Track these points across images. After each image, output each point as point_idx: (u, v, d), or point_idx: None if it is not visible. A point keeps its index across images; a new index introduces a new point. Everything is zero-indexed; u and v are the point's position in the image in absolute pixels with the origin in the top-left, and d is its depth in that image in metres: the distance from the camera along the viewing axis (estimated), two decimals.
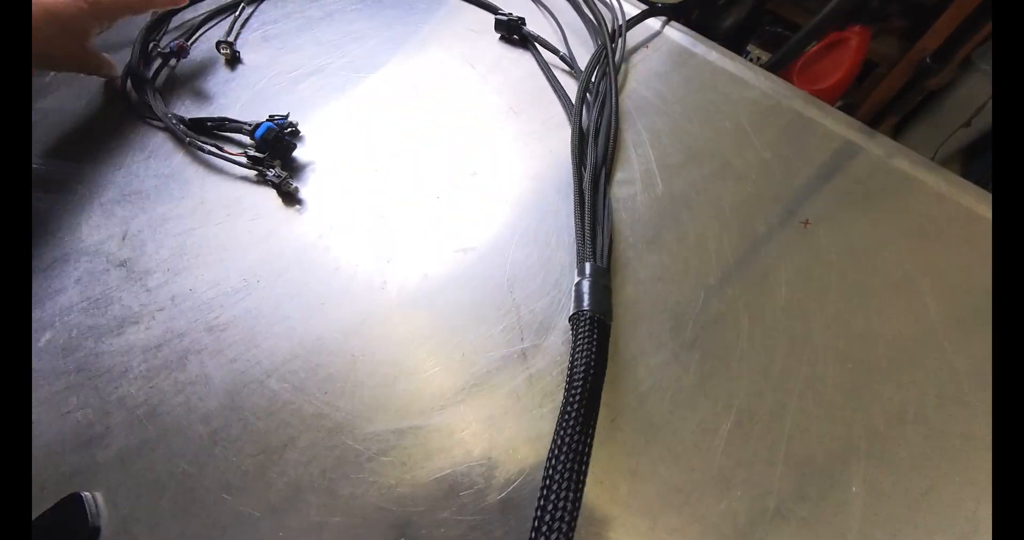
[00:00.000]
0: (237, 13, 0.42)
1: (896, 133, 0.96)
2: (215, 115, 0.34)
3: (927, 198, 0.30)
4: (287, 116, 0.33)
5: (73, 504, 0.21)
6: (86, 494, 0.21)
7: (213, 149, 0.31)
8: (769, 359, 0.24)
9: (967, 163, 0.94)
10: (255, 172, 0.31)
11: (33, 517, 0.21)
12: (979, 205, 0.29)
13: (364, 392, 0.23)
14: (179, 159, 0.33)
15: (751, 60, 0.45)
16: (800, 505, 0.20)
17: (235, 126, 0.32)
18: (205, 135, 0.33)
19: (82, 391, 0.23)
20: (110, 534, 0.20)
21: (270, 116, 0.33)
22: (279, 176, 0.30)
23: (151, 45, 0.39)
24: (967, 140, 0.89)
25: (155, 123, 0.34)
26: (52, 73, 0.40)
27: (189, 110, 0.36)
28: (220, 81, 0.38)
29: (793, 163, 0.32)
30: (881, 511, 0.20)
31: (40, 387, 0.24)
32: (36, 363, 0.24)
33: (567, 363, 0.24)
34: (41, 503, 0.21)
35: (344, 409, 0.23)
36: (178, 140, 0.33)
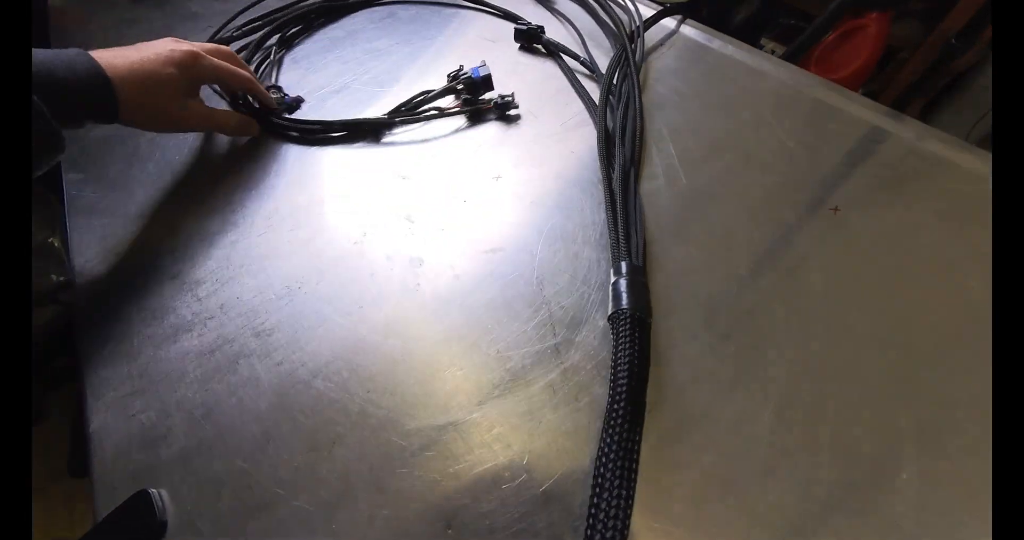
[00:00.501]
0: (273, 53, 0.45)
1: (923, 117, 0.93)
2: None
3: (961, 179, 0.29)
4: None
5: (142, 500, 0.22)
6: (153, 491, 0.22)
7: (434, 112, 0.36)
8: (807, 348, 0.24)
9: None
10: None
11: (105, 514, 0.22)
12: None
13: (405, 390, 0.24)
14: (221, 176, 0.35)
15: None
16: (850, 494, 0.20)
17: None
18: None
19: (145, 395, 0.25)
20: (176, 528, 0.21)
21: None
22: (504, 98, 0.36)
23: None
24: None
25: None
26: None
27: None
28: None
29: (818, 150, 0.32)
30: (936, 499, 0.19)
31: (107, 392, 0.25)
32: (103, 370, 0.26)
33: (601, 357, 0.24)
34: (111, 500, 0.22)
35: (387, 406, 0.24)
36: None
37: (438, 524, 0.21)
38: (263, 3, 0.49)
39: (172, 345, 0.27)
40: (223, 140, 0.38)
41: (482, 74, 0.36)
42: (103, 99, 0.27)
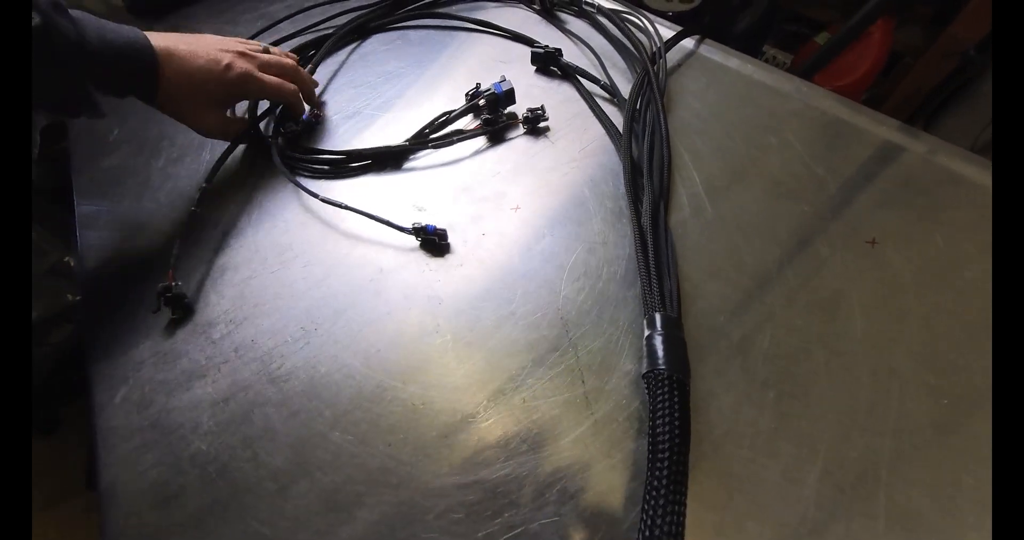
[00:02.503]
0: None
1: (929, 122, 0.91)
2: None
3: None
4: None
5: None
6: None
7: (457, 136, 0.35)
8: (853, 396, 0.22)
9: None
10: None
11: None
12: None
13: (427, 442, 0.23)
14: (232, 209, 0.34)
15: (767, 61, 0.43)
16: None
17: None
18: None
19: (156, 448, 0.24)
20: None
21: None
22: (533, 112, 0.35)
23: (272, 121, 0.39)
24: None
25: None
26: (116, 130, 0.43)
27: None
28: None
29: (848, 177, 0.31)
30: None
31: (118, 444, 0.24)
32: (112, 420, 0.25)
33: (633, 407, 0.23)
34: None
35: (408, 462, 0.23)
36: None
37: None
38: (276, 27, 0.49)
39: (185, 393, 0.26)
40: (234, 168, 0.37)
41: (505, 89, 0.35)
42: (145, 80, 0.30)
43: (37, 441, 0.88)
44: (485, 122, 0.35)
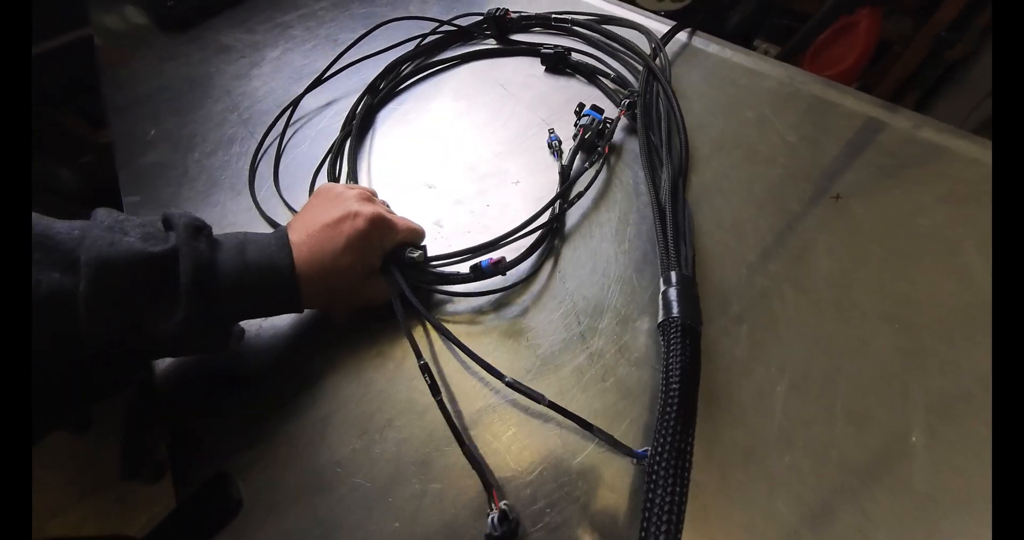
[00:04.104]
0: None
1: (919, 108, 0.94)
2: None
3: (958, 164, 0.31)
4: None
5: (220, 482, 0.25)
6: (229, 474, 0.25)
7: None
8: (817, 326, 0.25)
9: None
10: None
11: (186, 498, 0.25)
12: None
13: (450, 377, 0.26)
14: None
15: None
16: (863, 457, 0.21)
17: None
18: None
19: None
20: (250, 504, 0.24)
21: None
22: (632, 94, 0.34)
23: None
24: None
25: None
26: (153, 131, 0.47)
27: None
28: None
29: (819, 143, 0.34)
30: (945, 458, 0.21)
31: None
32: None
33: (623, 341, 0.26)
34: (190, 481, 0.25)
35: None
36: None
37: (482, 495, 0.23)
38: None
39: None
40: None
41: (601, 115, 0.35)
42: (290, 302, 0.26)
43: (72, 438, 0.93)
44: (588, 145, 0.34)
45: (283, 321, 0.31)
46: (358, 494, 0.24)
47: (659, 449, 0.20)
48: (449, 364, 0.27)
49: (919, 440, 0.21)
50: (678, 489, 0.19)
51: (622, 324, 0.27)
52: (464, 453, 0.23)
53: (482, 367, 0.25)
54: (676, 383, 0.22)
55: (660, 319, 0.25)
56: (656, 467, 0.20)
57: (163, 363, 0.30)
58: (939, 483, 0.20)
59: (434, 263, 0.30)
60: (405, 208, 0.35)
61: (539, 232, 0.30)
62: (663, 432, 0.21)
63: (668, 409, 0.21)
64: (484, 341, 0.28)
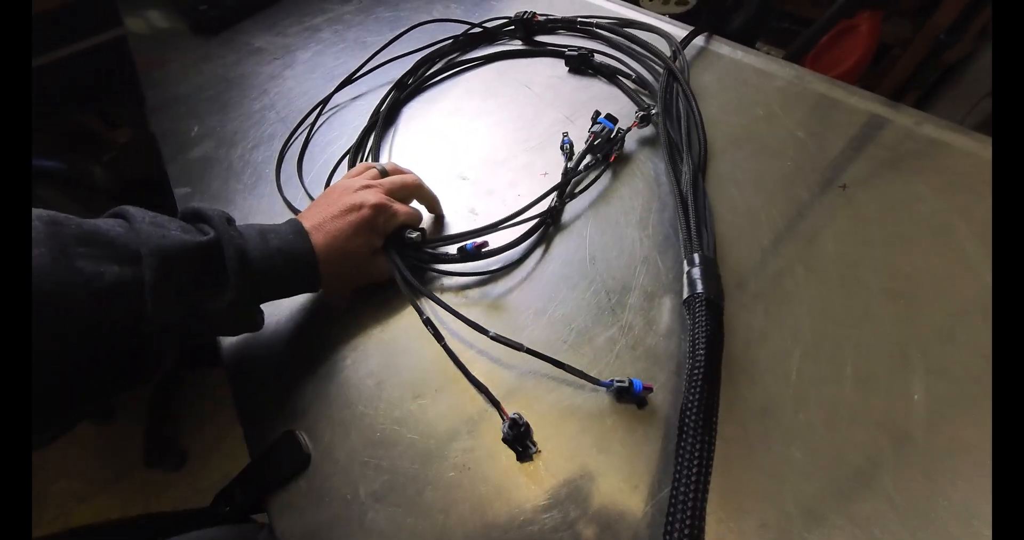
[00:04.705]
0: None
1: (919, 109, 0.97)
2: None
3: (955, 156, 0.33)
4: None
5: (289, 439, 0.27)
6: (295, 431, 0.27)
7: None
8: (826, 301, 0.28)
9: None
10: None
11: (259, 453, 0.27)
12: None
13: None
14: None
15: None
16: (870, 413, 0.24)
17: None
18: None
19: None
20: (318, 459, 0.27)
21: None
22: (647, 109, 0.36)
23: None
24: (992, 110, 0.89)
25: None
26: (196, 127, 0.50)
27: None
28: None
29: (825, 138, 0.37)
30: (943, 411, 0.24)
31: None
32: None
33: (650, 314, 0.29)
34: (263, 441, 0.28)
35: (483, 369, 0.29)
36: None
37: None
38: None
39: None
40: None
41: (614, 124, 0.37)
42: (311, 283, 0.29)
43: (97, 428, 0.96)
44: (599, 150, 0.36)
45: (334, 304, 0.33)
46: (415, 448, 0.26)
47: (689, 405, 0.23)
48: (465, 330, 0.29)
49: (920, 398, 0.24)
50: (707, 438, 0.22)
51: (648, 300, 0.30)
52: (468, 379, 0.26)
53: (467, 324, 0.28)
54: (703, 349, 0.24)
55: (685, 296, 0.28)
56: (687, 419, 0.23)
57: (227, 344, 0.33)
58: (937, 433, 0.23)
59: (434, 244, 0.34)
60: (441, 197, 0.37)
61: (535, 222, 0.34)
62: (692, 391, 0.23)
63: (696, 371, 0.24)
64: (513, 316, 0.31)
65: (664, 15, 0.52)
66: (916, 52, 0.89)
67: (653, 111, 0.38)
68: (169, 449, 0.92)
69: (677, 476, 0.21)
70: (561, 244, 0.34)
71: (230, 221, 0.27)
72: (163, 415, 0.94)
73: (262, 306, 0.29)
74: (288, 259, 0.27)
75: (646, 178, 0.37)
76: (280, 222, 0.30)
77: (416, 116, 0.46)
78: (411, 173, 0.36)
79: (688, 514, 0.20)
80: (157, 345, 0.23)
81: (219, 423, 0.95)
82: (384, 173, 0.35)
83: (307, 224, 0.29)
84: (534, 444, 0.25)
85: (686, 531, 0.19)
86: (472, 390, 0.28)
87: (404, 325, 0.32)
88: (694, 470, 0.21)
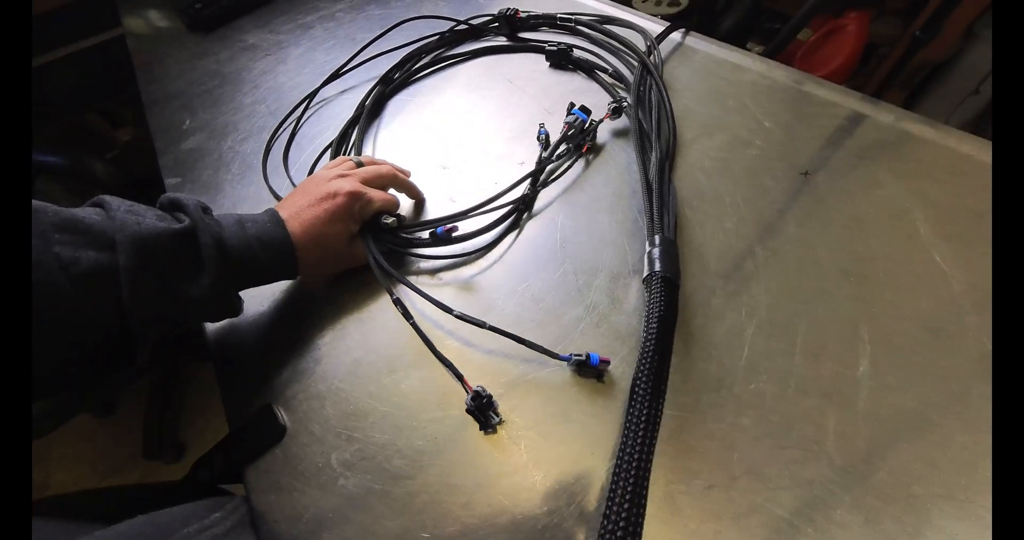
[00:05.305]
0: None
1: (906, 108, 0.98)
2: None
3: (913, 143, 0.35)
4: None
5: (266, 412, 0.29)
6: (274, 405, 0.29)
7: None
8: (783, 280, 0.29)
9: (980, 129, 0.95)
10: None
11: (238, 425, 0.29)
12: (962, 145, 0.34)
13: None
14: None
15: None
16: (818, 383, 0.25)
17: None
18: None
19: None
20: (294, 429, 0.28)
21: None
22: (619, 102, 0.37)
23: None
24: (977, 108, 0.91)
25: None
26: (188, 120, 0.52)
27: None
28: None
29: (792, 128, 0.38)
30: (887, 383, 0.25)
31: None
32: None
33: (615, 294, 0.30)
34: (241, 415, 0.29)
35: (454, 345, 0.30)
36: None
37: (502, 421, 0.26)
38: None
39: None
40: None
41: (587, 115, 0.38)
42: (289, 269, 0.30)
43: (98, 421, 0.97)
44: (573, 140, 0.37)
45: (313, 289, 0.35)
46: (388, 420, 0.28)
47: (640, 374, 0.24)
48: (436, 310, 0.30)
49: (865, 370, 0.25)
50: (654, 404, 0.23)
51: (614, 281, 0.31)
52: (434, 354, 0.28)
53: (432, 303, 0.29)
54: (655, 323, 0.26)
55: (645, 274, 0.29)
56: (637, 387, 0.24)
57: (212, 328, 0.34)
58: (879, 402, 0.24)
59: (411, 229, 0.35)
60: (422, 186, 0.39)
61: (509, 208, 0.35)
62: (643, 360, 0.24)
63: (648, 343, 0.25)
64: (485, 296, 0.32)
65: (656, 16, 0.53)
66: (902, 51, 0.90)
67: (625, 103, 0.39)
68: (168, 441, 0.93)
69: (625, 438, 0.22)
70: (533, 229, 0.35)
71: (206, 210, 0.28)
72: (163, 408, 0.96)
73: (243, 292, 0.30)
74: (266, 246, 0.28)
75: (618, 167, 0.38)
76: (256, 213, 0.31)
77: (401, 109, 0.48)
78: (386, 164, 0.37)
79: (632, 474, 0.21)
80: (137, 331, 0.24)
81: (218, 416, 0.96)
82: (360, 165, 0.36)
83: (284, 213, 0.30)
84: (497, 415, 0.26)
85: (629, 488, 0.20)
86: (443, 366, 0.29)
87: (382, 305, 0.33)
88: (640, 433, 0.22)
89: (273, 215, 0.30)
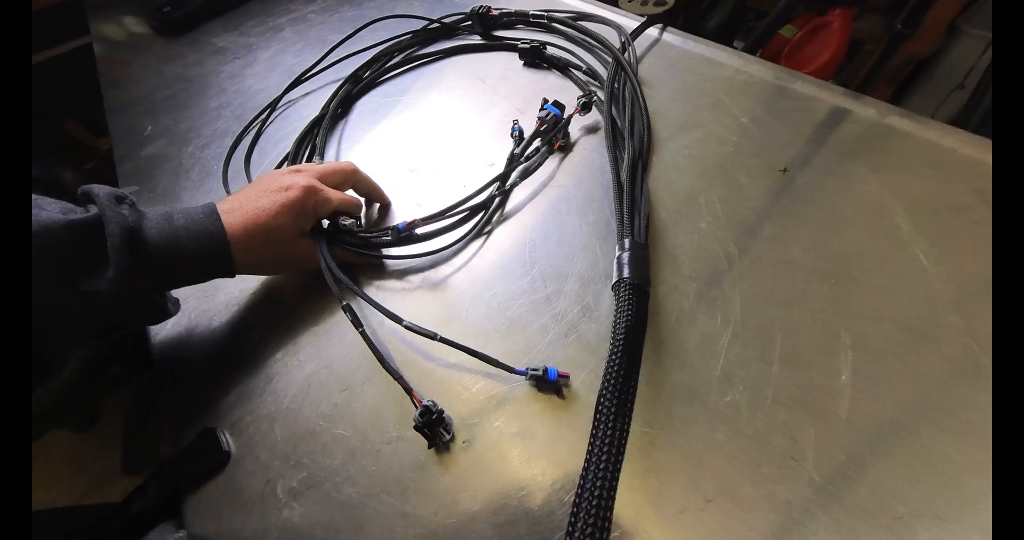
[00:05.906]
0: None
1: (894, 102, 0.98)
2: None
3: (892, 137, 0.33)
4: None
5: (208, 436, 0.27)
6: (218, 429, 0.27)
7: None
8: (758, 282, 0.28)
9: (966, 122, 0.94)
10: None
11: (178, 451, 0.27)
12: (943, 138, 0.32)
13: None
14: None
15: None
16: (796, 393, 0.24)
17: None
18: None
19: None
20: (240, 455, 0.26)
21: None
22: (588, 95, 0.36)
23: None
24: (963, 102, 0.90)
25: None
26: (150, 127, 0.50)
27: None
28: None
29: (769, 124, 0.36)
30: (869, 391, 0.23)
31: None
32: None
33: (585, 302, 0.29)
34: (183, 439, 0.27)
35: (413, 355, 0.28)
36: None
37: (459, 441, 0.25)
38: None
39: None
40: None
41: (560, 110, 0.37)
42: (222, 264, 0.28)
43: (78, 436, 0.94)
44: (545, 136, 0.36)
45: (267, 295, 0.33)
46: (340, 443, 0.26)
47: (605, 391, 0.22)
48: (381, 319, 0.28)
49: (846, 378, 0.24)
50: (620, 423, 0.21)
51: (584, 287, 0.29)
52: (384, 367, 0.25)
53: (381, 312, 0.27)
54: (622, 334, 0.24)
55: (614, 280, 0.27)
56: (601, 405, 0.22)
57: (157, 337, 0.32)
58: (859, 412, 0.23)
59: (373, 232, 0.33)
60: (388, 190, 0.37)
61: (475, 211, 0.33)
62: (609, 375, 0.23)
63: (614, 356, 0.23)
64: (448, 304, 0.30)
65: (643, 15, 0.52)
66: (884, 46, 0.90)
67: (595, 97, 0.38)
68: (148, 458, 0.90)
69: (587, 463, 0.20)
70: (502, 233, 0.33)
71: (122, 200, 0.26)
72: (142, 424, 0.93)
73: (200, 303, 0.28)
74: (194, 238, 0.26)
75: (591, 167, 0.37)
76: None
77: (370, 110, 0.46)
78: (350, 163, 0.36)
79: (595, 504, 0.19)
80: (48, 335, 0.22)
81: None
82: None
83: (225, 206, 0.28)
84: (448, 431, 0.24)
85: (591, 520, 0.18)
86: (396, 387, 0.27)
87: (339, 316, 0.31)
88: (604, 457, 0.20)
89: (208, 207, 0.28)
